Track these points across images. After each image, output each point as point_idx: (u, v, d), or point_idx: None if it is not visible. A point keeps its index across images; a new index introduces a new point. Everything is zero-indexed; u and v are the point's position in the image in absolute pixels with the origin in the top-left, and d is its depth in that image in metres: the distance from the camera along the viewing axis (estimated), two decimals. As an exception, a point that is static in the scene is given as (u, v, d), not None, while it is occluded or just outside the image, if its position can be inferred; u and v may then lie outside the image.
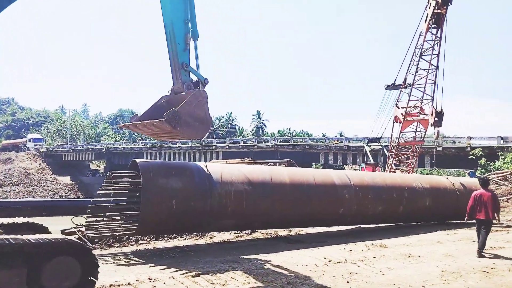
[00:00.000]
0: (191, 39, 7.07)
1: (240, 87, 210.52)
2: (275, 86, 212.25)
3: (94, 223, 7.51)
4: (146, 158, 61.53)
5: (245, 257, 7.13)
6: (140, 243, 9.05)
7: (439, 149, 38.40)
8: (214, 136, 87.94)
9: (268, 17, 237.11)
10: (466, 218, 7.94)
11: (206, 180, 7.76)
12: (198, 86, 6.96)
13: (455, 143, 41.08)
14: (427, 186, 12.01)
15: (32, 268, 3.95)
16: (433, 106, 21.35)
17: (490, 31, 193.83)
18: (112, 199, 7.62)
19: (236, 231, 10.50)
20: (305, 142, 53.02)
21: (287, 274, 5.94)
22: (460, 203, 12.58)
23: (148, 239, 9.50)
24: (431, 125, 21.65)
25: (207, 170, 7.92)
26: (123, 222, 7.54)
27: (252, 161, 28.22)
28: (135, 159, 7.79)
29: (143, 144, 67.82)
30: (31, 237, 4.22)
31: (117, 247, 8.54)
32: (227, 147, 57.34)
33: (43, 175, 63.15)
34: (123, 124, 7.80)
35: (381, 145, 30.48)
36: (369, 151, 31.31)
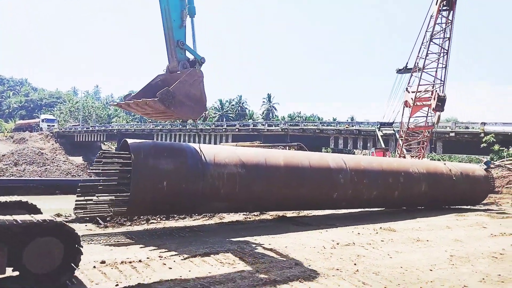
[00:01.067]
0: (188, 16, 6.83)
1: (251, 70, 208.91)
2: (286, 69, 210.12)
3: (83, 203, 7.44)
4: (157, 140, 62.03)
5: (253, 237, 7.21)
6: (151, 222, 9.21)
7: (452, 134, 37.86)
8: (224, 119, 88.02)
9: (278, 1, 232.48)
10: None
11: (199, 162, 7.64)
12: (194, 65, 6.78)
13: (468, 128, 40.36)
14: (423, 172, 11.87)
15: (13, 248, 3.81)
16: (436, 90, 21.03)
17: (507, 18, 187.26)
18: (101, 179, 7.56)
19: (245, 213, 10.61)
20: (315, 126, 52.72)
21: (295, 255, 6.00)
22: (456, 189, 12.70)
23: (159, 219, 9.65)
24: (433, 110, 21.43)
25: (201, 152, 7.79)
26: (113, 203, 7.42)
27: (262, 144, 28.25)
28: (126, 139, 7.67)
29: (154, 126, 68.23)
30: (8, 218, 4.06)
31: (129, 225, 8.70)
32: (237, 130, 57.39)
33: (56, 155, 64.19)
34: (116, 103, 7.71)
35: (393, 130, 30.19)
36: (381, 135, 31.04)
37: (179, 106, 6.33)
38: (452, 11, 20.43)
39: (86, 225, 8.44)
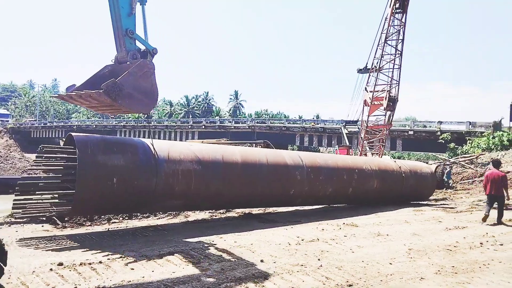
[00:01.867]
0: (138, 3, 6.48)
1: (218, 66, 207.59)
2: (253, 66, 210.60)
3: (22, 201, 6.73)
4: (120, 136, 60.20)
5: (219, 236, 7.16)
6: (113, 222, 8.91)
7: (411, 132, 39.63)
8: (191, 116, 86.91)
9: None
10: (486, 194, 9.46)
11: (152, 158, 7.25)
12: (146, 56, 6.43)
13: (426, 127, 42.37)
14: (375, 169, 12.22)
15: None
16: (387, 91, 22.04)
17: (466, 20, 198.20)
18: (43, 176, 6.98)
19: (210, 211, 10.52)
20: (282, 123, 53.36)
21: (260, 252, 6.03)
22: (406, 185, 13.23)
23: (121, 218, 9.36)
24: (384, 109, 22.42)
25: (153, 147, 7.39)
26: (56, 201, 6.85)
27: (229, 142, 28.17)
28: (71, 133, 7.12)
29: (117, 122, 66.18)
30: None
31: (89, 225, 8.37)
32: (203, 127, 56.94)
33: (11, 152, 60.47)
34: (57, 95, 7.18)
35: (358, 128, 31.16)
36: (346, 133, 31.89)
37: (127, 99, 5.93)
38: (404, 14, 21.33)
39: (42, 226, 8.04)
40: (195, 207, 9.08)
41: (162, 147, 7.70)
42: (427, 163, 39.01)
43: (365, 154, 24.10)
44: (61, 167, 6.85)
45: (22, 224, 8.04)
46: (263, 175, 9.06)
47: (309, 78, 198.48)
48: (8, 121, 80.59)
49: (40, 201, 6.95)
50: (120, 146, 7.17)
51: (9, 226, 8.11)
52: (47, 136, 71.74)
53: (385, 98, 21.79)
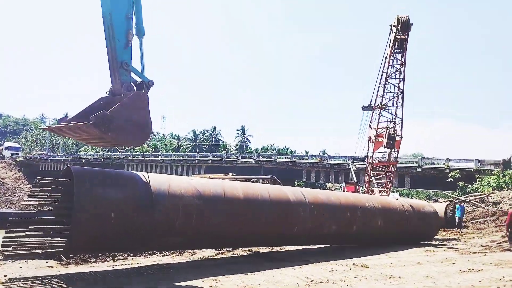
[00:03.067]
0: (135, 36, 6.45)
1: (225, 101, 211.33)
2: (260, 102, 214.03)
3: (13, 238, 6.09)
4: (127, 170, 60.38)
5: (226, 275, 6.98)
6: (118, 259, 8.77)
7: (419, 169, 39.27)
8: (197, 150, 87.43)
9: (253, 33, 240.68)
10: (506, 232, 10.06)
11: (151, 192, 6.93)
12: (142, 88, 6.34)
13: (434, 164, 42.02)
14: (379, 206, 11.95)
15: None
16: (387, 128, 22.23)
17: (473, 55, 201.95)
18: (36, 211, 6.74)
19: (216, 249, 10.33)
20: (289, 159, 53.34)
21: (268, 294, 5.83)
22: (409, 224, 12.91)
23: (126, 255, 9.22)
24: (384, 147, 22.47)
25: (153, 181, 7.08)
26: (50, 237, 6.37)
27: (236, 177, 28.09)
28: (70, 166, 6.83)
29: (125, 156, 66.72)
30: None
31: (93, 262, 8.24)
32: (210, 161, 57.05)
33: (18, 185, 61.16)
34: (46, 127, 7.16)
35: (366, 164, 31.09)
36: (354, 170, 31.74)
37: (118, 132, 5.75)
38: (404, 53, 21.82)
39: (47, 262, 7.93)
40: (195, 245, 8.68)
41: (162, 180, 7.39)
42: (436, 201, 38.44)
43: (372, 191, 23.84)
44: (56, 201, 6.44)
45: (26, 260, 7.94)
46: (265, 211, 8.75)
47: (315, 113, 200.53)
48: (18, 154, 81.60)
49: (33, 237, 6.34)
50: (119, 179, 6.89)
51: (13, 261, 8.01)
52: (55, 169, 72.22)
53: (385, 136, 21.94)
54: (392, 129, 22.24)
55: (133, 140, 6.24)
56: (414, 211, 13.19)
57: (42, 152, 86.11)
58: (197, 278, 6.67)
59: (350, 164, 32.29)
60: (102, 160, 68.42)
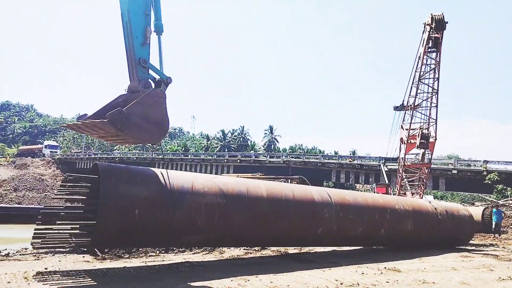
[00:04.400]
0: (154, 32, 6.39)
1: (253, 101, 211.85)
2: (288, 101, 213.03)
3: (43, 232, 6.24)
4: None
5: (254, 275, 7.01)
6: (150, 255, 9.02)
7: (454, 171, 37.77)
8: (226, 150, 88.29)
9: (284, 34, 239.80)
10: None
11: (175, 190, 6.95)
12: (160, 86, 6.32)
13: (470, 166, 40.31)
14: (409, 209, 11.47)
15: None
16: (420, 128, 21.49)
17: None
18: (64, 205, 6.66)
19: (245, 248, 10.39)
20: (317, 159, 52.77)
21: (297, 295, 5.80)
22: (442, 228, 12.34)
23: (158, 252, 9.47)
24: (417, 147, 21.76)
25: (177, 179, 7.08)
26: (77, 232, 6.48)
27: (264, 176, 28.14)
28: (97, 162, 6.94)
29: (156, 155, 68.42)
30: None
31: (127, 258, 8.52)
32: (238, 161, 57.45)
33: (57, 181, 63.95)
34: (65, 124, 7.09)
35: (398, 166, 30.34)
36: (385, 171, 31.04)
37: (134, 129, 5.74)
38: (438, 53, 21.03)
39: (83, 256, 8.28)
40: (217, 243, 8.67)
41: (187, 178, 7.39)
42: (473, 204, 36.79)
43: (404, 194, 23.20)
44: (84, 197, 6.54)
45: (65, 254, 8.32)
46: (289, 211, 8.60)
47: (345, 113, 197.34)
48: (57, 152, 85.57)
49: (60, 231, 6.47)
50: (144, 177, 6.89)
51: (53, 255, 8.43)
52: (90, 167, 75.16)
53: (418, 135, 21.27)
54: (426, 129, 21.56)
55: (150, 138, 6.22)
56: (448, 215, 12.67)
57: (79, 151, 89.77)
58: (227, 277, 6.74)
59: (382, 165, 31.51)
60: (135, 158, 70.48)
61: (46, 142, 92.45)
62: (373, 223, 10.41)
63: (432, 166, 39.04)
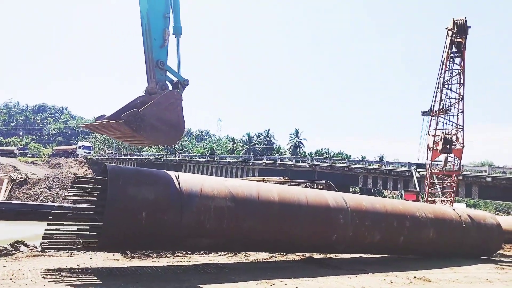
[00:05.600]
0: (172, 35, 6.39)
1: (279, 104, 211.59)
2: (315, 105, 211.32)
3: (52, 231, 6.18)
4: (184, 171, 62.97)
5: (280, 279, 6.98)
6: (176, 255, 9.17)
7: (488, 179, 36.21)
8: (252, 153, 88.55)
9: (310, 37, 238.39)
10: None
11: (184, 192, 6.83)
12: (177, 88, 6.33)
13: (506, 174, 38.54)
14: (431, 216, 10.95)
15: None
16: (443, 132, 21.06)
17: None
18: (72, 206, 6.72)
19: (271, 252, 10.36)
20: (344, 163, 51.97)
21: (323, 301, 5.73)
22: (466, 237, 11.76)
23: (184, 253, 9.60)
24: (439, 152, 21.22)
25: (186, 181, 6.97)
26: (84, 234, 6.43)
27: (289, 180, 28.02)
28: (106, 164, 6.89)
29: (183, 156, 69.59)
30: None
31: (155, 257, 8.70)
32: (264, 164, 57.42)
33: (88, 181, 66.18)
34: (83, 124, 7.19)
35: (426, 173, 29.50)
36: (417, 177, 30.20)
37: (149, 131, 5.74)
38: (462, 58, 20.64)
39: (113, 254, 8.51)
40: (225, 247, 8.57)
41: (196, 181, 7.27)
42: (508, 213, 35.05)
43: (433, 201, 22.57)
44: (93, 198, 6.51)
45: (96, 252, 8.58)
46: (301, 216, 8.34)
47: (372, 117, 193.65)
48: (90, 152, 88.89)
49: (69, 232, 6.41)
50: (152, 179, 6.80)
51: (84, 252, 8.71)
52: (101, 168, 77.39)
53: (440, 140, 20.80)
54: (449, 134, 21.05)
55: (165, 139, 6.22)
56: (473, 223, 12.13)
57: (110, 152, 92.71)
58: (252, 280, 6.75)
59: (414, 171, 30.58)
60: (162, 160, 71.87)
61: (80, 143, 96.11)
62: (392, 230, 10.01)
63: (464, 173, 37.76)
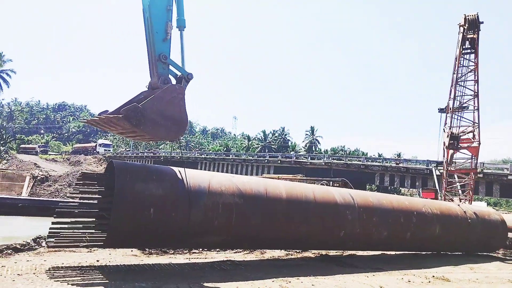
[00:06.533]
0: (176, 28, 6.28)
1: (295, 102, 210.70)
2: (330, 102, 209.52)
3: (58, 229, 6.12)
4: (200, 169, 63.51)
5: (295, 277, 6.98)
6: (193, 252, 9.27)
7: (510, 177, 35.26)
8: (267, 150, 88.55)
9: (327, 34, 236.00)
10: None
11: (191, 189, 6.75)
12: (181, 82, 6.21)
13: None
14: (437, 212, 10.91)
15: None
16: (450, 128, 20.70)
17: None
18: (78, 202, 6.52)
19: (286, 250, 10.36)
20: (360, 161, 51.47)
21: (340, 299, 5.71)
22: (471, 233, 11.72)
23: (200, 249, 9.69)
24: (446, 147, 20.94)
25: (193, 178, 6.91)
26: (91, 231, 6.37)
27: (304, 178, 27.89)
28: (112, 160, 6.79)
29: (199, 154, 70.15)
30: None
31: (172, 254, 8.82)
32: (279, 162, 57.36)
33: (107, 178, 67.55)
34: (85, 120, 7.19)
35: (443, 171, 28.99)
36: (437, 175, 29.76)
37: (151, 126, 5.63)
38: (476, 54, 20.35)
39: (132, 250, 8.67)
40: (233, 244, 8.48)
41: (204, 177, 7.20)
42: (532, 212, 34.02)
43: (451, 199, 22.21)
44: (99, 195, 6.40)
45: (115, 248, 8.75)
46: (309, 212, 8.30)
47: (389, 115, 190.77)
48: (110, 150, 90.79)
49: (75, 229, 6.32)
50: (160, 175, 6.71)
51: (103, 248, 8.89)
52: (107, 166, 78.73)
53: (447, 136, 20.57)
54: (457, 130, 20.87)
55: (167, 135, 6.09)
56: (478, 219, 12.10)
57: (128, 149, 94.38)
58: (268, 277, 6.77)
59: (434, 169, 30.09)
60: (178, 158, 72.54)
61: (100, 141, 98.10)
62: (399, 226, 10.00)
63: (485, 171, 36.85)
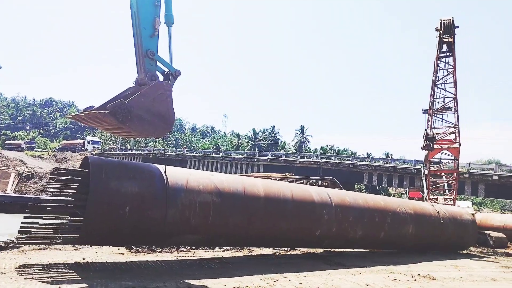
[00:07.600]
0: (164, 24, 6.26)
1: (285, 100, 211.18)
2: (321, 101, 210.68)
3: (29, 225, 5.85)
4: (190, 167, 63.22)
5: (283, 274, 7.01)
6: (181, 250, 9.21)
7: (495, 177, 35.98)
8: (257, 149, 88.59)
9: (316, 33, 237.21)
10: None
11: (169, 187, 6.64)
12: (168, 79, 6.19)
13: (513, 172, 38.22)
14: (411, 212, 11.26)
15: None
16: (426, 130, 21.44)
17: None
18: (51, 198, 6.21)
19: (274, 248, 10.38)
20: (349, 160, 51.85)
21: (327, 297, 5.74)
22: (444, 232, 12.15)
23: (188, 248, 9.64)
24: (421, 148, 21.64)
25: (171, 176, 6.78)
26: (64, 228, 6.18)
27: (294, 177, 27.96)
28: (88, 156, 6.72)
29: (188, 152, 69.80)
30: None
31: (159, 252, 8.75)
32: (269, 160, 57.48)
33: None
34: (70, 116, 7.00)
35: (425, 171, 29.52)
36: (425, 174, 30.29)
37: (136, 122, 5.58)
38: (454, 57, 21.06)
39: (118, 249, 8.57)
40: (211, 243, 8.48)
41: (181, 175, 7.08)
42: (515, 212, 34.72)
43: (436, 199, 22.67)
44: (71, 192, 6.14)
45: (101, 246, 8.64)
46: (287, 211, 8.31)
47: (378, 114, 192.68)
48: (98, 147, 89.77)
49: (47, 226, 6.07)
50: (136, 173, 6.58)
51: (90, 246, 8.77)
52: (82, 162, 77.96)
53: (423, 137, 21.28)
54: (433, 130, 21.54)
55: (153, 131, 6.02)
56: (450, 219, 12.55)
57: (114, 146, 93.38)
58: (256, 275, 6.78)
59: (422, 169, 30.61)
60: (168, 155, 72.11)
61: (88, 138, 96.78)
62: (373, 225, 10.18)
63: (470, 171, 37.49)
